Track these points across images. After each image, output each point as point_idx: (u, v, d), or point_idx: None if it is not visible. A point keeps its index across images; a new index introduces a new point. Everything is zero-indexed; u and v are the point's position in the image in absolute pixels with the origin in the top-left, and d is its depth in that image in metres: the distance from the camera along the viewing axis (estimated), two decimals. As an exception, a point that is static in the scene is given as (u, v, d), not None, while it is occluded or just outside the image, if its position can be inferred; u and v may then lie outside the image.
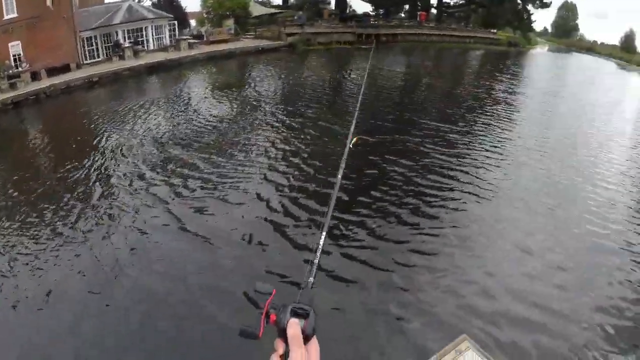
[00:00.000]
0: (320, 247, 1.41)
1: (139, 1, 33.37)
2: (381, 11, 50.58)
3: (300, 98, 17.31)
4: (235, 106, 16.29)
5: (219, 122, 14.14)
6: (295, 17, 34.86)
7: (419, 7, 49.84)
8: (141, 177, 10.57)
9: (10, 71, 23.19)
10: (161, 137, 13.15)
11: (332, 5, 45.45)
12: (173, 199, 9.09)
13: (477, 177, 9.84)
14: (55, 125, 18.35)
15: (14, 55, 23.98)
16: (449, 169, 10.26)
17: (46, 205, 9.33)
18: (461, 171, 10.10)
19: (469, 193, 9.03)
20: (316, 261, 1.34)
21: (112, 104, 19.06)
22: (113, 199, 9.52)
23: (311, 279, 1.27)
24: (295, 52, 31.15)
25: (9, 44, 24.08)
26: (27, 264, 7.20)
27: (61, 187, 10.37)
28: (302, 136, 12.57)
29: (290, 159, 10.92)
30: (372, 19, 43.03)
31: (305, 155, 11.00)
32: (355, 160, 9.44)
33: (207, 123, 14.13)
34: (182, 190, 9.54)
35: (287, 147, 11.66)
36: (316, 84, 20.78)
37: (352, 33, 36.15)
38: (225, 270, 6.71)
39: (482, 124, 14.22)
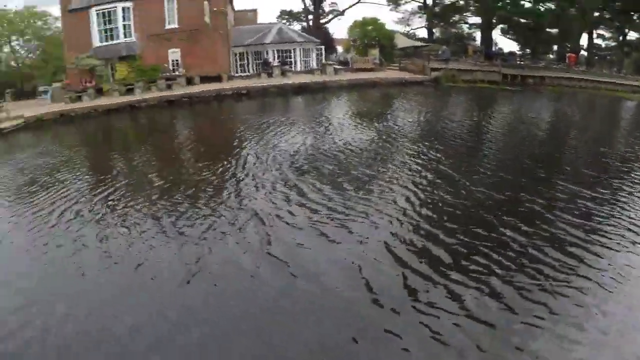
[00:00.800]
0: None
1: (288, 24, 34.61)
2: (527, 50, 47.05)
3: (438, 138, 15.28)
4: (371, 136, 14.78)
5: (351, 150, 12.65)
6: (440, 52, 33.15)
7: (568, 49, 45.34)
8: (260, 186, 9.61)
9: (169, 74, 24.66)
10: (293, 154, 12.14)
11: (478, 42, 43.14)
12: (273, 220, 7.55)
13: (608, 261, 6.44)
14: (200, 125, 19.31)
15: (172, 61, 25.83)
16: (576, 246, 6.92)
17: (172, 191, 9.41)
18: (592, 252, 6.73)
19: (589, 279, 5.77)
20: None
21: (256, 115, 19.18)
22: (219, 203, 8.70)
23: None
24: (438, 88, 29.24)
25: (169, 50, 26.08)
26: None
27: (190, 178, 10.68)
28: (428, 180, 10.35)
29: (407, 204, 8.73)
30: (518, 59, 39.80)
31: (428, 202, 8.72)
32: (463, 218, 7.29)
33: (340, 149, 12.79)
34: (293, 209, 8.05)
35: (412, 191, 9.51)
36: (455, 125, 18.52)
37: (498, 72, 33.29)
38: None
39: (628, 194, 10.38)
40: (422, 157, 12.19)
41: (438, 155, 12.32)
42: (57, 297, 5.47)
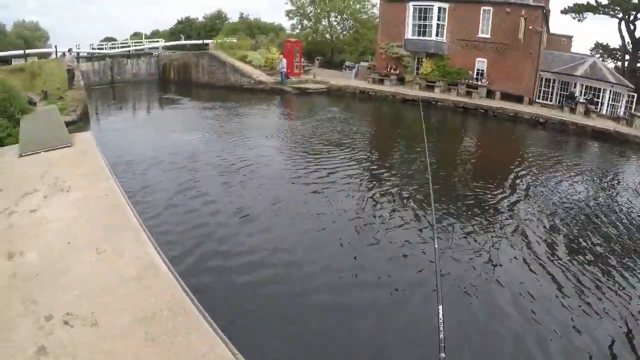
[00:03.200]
0: (440, 316, 1.06)
1: (602, 59, 30.84)
2: None
3: None
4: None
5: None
6: None
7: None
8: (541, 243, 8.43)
9: (471, 81, 24.74)
10: (572, 214, 10.19)
11: None
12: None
13: None
14: (488, 141, 18.92)
15: (477, 70, 25.67)
16: None
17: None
18: None
19: None
20: (442, 334, 1.08)
21: (546, 149, 17.58)
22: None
23: (443, 355, 1.07)
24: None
25: (477, 59, 25.93)
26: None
27: (457, 186, 11.31)
28: None
29: None
30: None
31: None
32: None
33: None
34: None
35: None
36: None
37: None
38: None
39: None
40: None
41: None
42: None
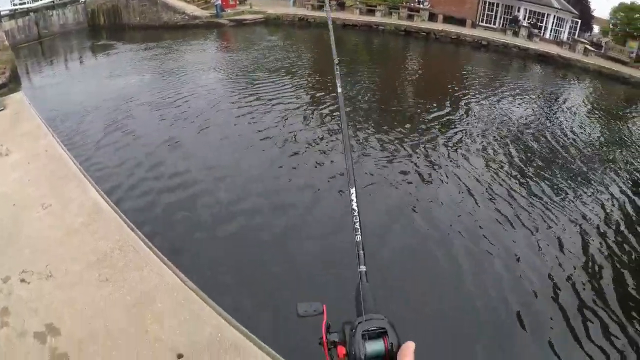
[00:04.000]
0: (358, 225, 1.02)
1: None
2: None
3: None
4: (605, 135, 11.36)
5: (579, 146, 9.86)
6: None
7: None
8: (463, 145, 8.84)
9: (413, 4, 23.49)
10: (516, 129, 10.37)
11: None
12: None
13: None
14: (430, 63, 18.44)
15: (419, -7, 24.27)
16: None
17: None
18: None
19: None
20: (360, 241, 1.00)
21: (489, 71, 17.34)
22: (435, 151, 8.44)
23: (363, 268, 0.95)
24: None
25: (420, -18, 24.39)
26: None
27: (399, 107, 11.11)
28: None
29: None
30: None
31: None
32: None
33: (565, 142, 9.99)
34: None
35: None
36: None
37: None
38: None
39: None
40: None
41: None
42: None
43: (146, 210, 6.00)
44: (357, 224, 1.03)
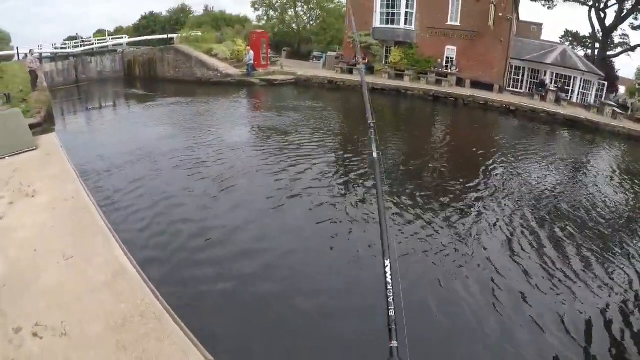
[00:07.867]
0: (391, 299, 1.05)
1: (573, 49, 30.63)
2: None
3: None
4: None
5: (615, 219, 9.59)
6: None
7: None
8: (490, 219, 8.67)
9: (441, 69, 24.08)
10: (540, 198, 10.26)
11: None
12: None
13: None
14: (459, 129, 18.54)
15: (447, 58, 25.06)
16: None
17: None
18: None
19: None
20: (392, 316, 1.01)
21: (516, 138, 17.43)
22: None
23: (394, 343, 1.01)
24: None
25: (446, 47, 25.30)
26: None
27: (430, 177, 11.10)
28: None
29: None
30: None
31: None
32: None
33: (601, 213, 9.80)
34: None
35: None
36: None
37: None
38: None
39: None
40: None
41: None
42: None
43: (173, 276, 5.75)
44: (391, 297, 1.04)
